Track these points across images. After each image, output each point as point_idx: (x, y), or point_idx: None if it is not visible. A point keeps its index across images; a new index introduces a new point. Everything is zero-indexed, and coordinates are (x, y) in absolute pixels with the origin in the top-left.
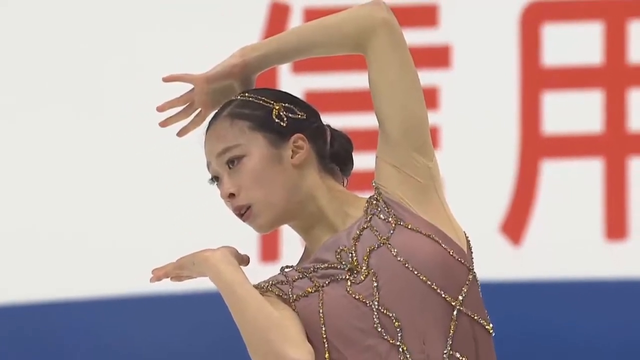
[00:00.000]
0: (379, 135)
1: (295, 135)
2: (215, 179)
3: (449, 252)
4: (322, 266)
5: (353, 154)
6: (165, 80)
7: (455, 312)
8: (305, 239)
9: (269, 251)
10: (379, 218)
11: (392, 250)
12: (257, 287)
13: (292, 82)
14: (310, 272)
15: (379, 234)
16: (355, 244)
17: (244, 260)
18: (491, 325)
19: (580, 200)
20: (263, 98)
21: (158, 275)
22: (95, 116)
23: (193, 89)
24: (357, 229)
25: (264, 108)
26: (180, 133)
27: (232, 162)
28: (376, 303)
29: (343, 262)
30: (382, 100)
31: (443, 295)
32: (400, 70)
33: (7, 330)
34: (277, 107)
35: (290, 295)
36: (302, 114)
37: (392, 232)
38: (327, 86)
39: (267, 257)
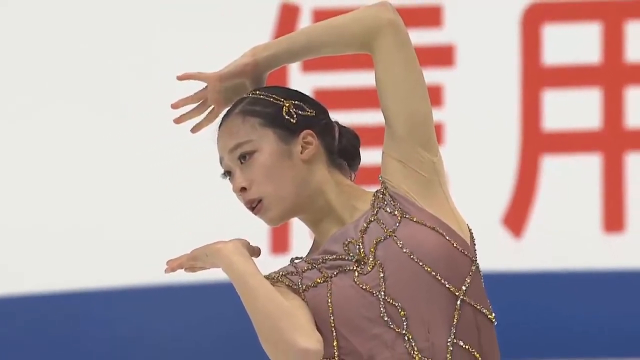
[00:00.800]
0: (385, 131)
1: (305, 132)
2: (228, 173)
3: (453, 244)
4: (331, 257)
5: (360, 149)
6: (179, 78)
7: (458, 302)
8: (314, 231)
9: (279, 243)
10: (385, 211)
11: (398, 242)
12: (267, 277)
13: (301, 80)
14: (319, 263)
15: (385, 227)
16: (362, 236)
17: (255, 251)
18: (493, 314)
19: (579, 194)
20: (273, 96)
21: (172, 266)
22: (110, 113)
23: (206, 87)
24: (364, 222)
25: (275, 105)
26: (194, 129)
27: (243, 158)
28: (382, 293)
29: (351, 254)
30: (388, 97)
31: (447, 286)
32: (405, 69)
33: (25, 319)
34: (287, 105)
35: (300, 286)
36: (311, 111)
37: (398, 224)
38: (335, 84)
39: (277, 249)
